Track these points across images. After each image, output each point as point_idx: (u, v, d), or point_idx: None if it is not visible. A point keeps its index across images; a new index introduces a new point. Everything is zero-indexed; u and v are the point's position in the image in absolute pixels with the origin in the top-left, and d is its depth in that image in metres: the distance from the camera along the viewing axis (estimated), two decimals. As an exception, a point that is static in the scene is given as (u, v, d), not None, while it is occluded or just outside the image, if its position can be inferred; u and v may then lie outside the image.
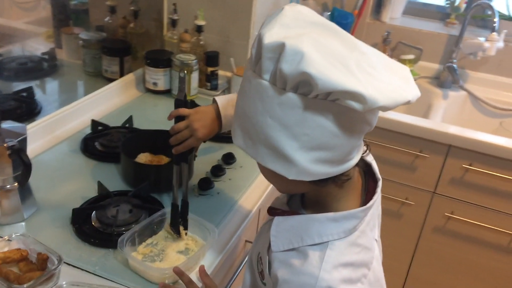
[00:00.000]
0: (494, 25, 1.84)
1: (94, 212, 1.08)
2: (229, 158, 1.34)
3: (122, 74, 1.72)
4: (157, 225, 1.05)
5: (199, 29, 1.72)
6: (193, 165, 1.25)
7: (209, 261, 1.02)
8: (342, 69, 0.59)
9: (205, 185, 1.22)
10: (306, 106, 0.62)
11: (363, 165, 0.79)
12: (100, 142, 1.35)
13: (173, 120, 1.07)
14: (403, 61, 2.14)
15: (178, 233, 1.04)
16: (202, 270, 0.96)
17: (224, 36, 1.76)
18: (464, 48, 1.95)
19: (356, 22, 2.12)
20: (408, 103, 0.63)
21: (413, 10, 2.31)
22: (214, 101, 1.08)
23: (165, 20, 1.83)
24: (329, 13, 2.12)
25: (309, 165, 0.65)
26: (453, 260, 1.90)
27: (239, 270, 1.16)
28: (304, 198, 0.81)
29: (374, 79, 0.61)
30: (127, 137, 1.27)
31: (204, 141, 1.13)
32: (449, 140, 1.71)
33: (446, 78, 2.05)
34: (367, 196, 0.77)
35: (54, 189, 1.18)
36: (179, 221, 1.04)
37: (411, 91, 0.64)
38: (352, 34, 2.07)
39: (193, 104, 1.46)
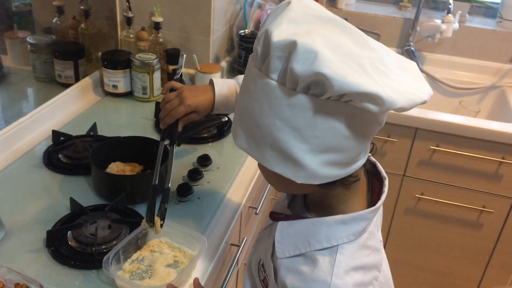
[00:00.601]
0: (449, 6, 1.87)
1: (69, 231, 1.00)
2: (204, 160, 1.28)
3: (77, 79, 1.61)
4: (141, 239, 0.98)
5: (156, 26, 1.64)
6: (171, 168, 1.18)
7: (200, 271, 0.97)
8: (357, 69, 0.56)
9: (184, 191, 1.16)
10: (317, 108, 0.58)
11: (369, 165, 0.77)
12: (65, 154, 1.26)
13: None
14: (362, 47, 2.15)
15: (152, 222, 0.96)
16: (196, 283, 0.91)
17: (183, 32, 1.69)
18: (422, 31, 1.98)
19: (313, 10, 2.10)
20: (424, 103, 0.61)
21: (367, -5, 2.32)
22: (210, 82, 1.05)
23: (119, 19, 1.73)
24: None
25: (318, 168, 0.62)
26: (425, 239, 1.94)
27: (228, 276, 1.12)
28: (307, 200, 0.78)
29: (389, 79, 0.58)
30: (95, 146, 1.18)
31: (183, 139, 1.15)
32: (416, 123, 1.74)
33: (405, 61, 2.07)
34: (372, 196, 0.75)
35: (21, 210, 1.08)
36: (154, 210, 0.97)
37: (424, 89, 0.61)
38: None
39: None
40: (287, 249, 0.72)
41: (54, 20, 1.66)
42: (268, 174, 0.71)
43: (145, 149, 1.22)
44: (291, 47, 0.57)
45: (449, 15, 1.88)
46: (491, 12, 2.20)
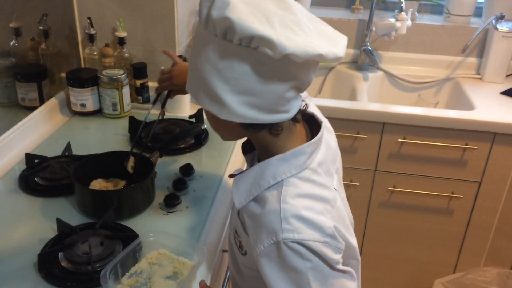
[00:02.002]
0: (401, 5, 1.96)
1: (60, 253, 0.97)
2: (187, 170, 1.27)
3: (42, 101, 1.56)
4: (138, 252, 0.96)
5: (121, 41, 1.62)
6: (154, 182, 1.17)
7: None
8: (262, 19, 0.66)
9: (172, 201, 1.15)
10: (232, 52, 0.68)
11: (306, 117, 0.85)
12: (41, 176, 1.21)
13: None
14: (321, 50, 2.20)
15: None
16: (202, 286, 0.91)
17: (148, 45, 1.68)
18: (378, 30, 2.06)
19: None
20: (320, 57, 0.68)
21: (319, 1, 2.39)
22: None
23: (80, 37, 1.70)
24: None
25: (238, 107, 0.71)
26: (400, 230, 2.00)
27: (225, 283, 1.11)
28: (259, 156, 0.85)
29: (292, 33, 0.66)
30: (76, 165, 1.15)
31: (165, 150, 1.27)
32: (382, 117, 1.80)
33: (364, 61, 2.15)
34: None
35: (4, 237, 1.03)
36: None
37: (328, 48, 0.69)
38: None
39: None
40: (242, 197, 0.79)
41: (11, 43, 1.60)
42: (209, 118, 0.81)
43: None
44: None
45: (402, 13, 1.96)
46: (437, 9, 2.32)
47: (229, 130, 0.80)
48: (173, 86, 1.22)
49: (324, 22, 0.75)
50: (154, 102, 1.29)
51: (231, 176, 0.86)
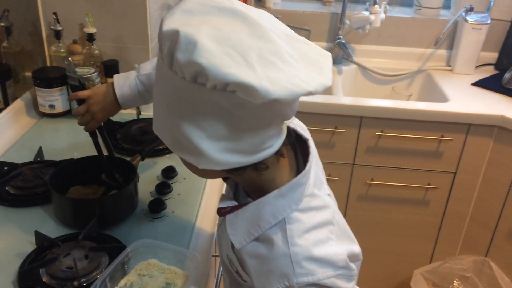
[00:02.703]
0: (375, -2, 1.95)
1: (41, 269, 0.90)
2: (170, 172, 1.22)
3: (7, 102, 1.46)
4: (126, 263, 0.91)
5: (90, 37, 1.53)
6: (137, 187, 1.11)
7: (195, 289, 0.92)
8: (239, 60, 0.56)
9: (157, 206, 1.09)
10: (206, 97, 0.59)
11: (290, 137, 0.75)
12: (13, 185, 1.13)
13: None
14: (295, 44, 2.17)
15: (114, 180, 1.06)
16: None
17: (119, 42, 1.60)
18: (353, 23, 2.05)
19: (243, 11, 2.08)
20: (309, 94, 0.59)
21: (290, -6, 2.36)
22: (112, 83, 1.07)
23: (44, 33, 1.60)
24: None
25: (217, 154, 0.63)
26: (379, 223, 2.01)
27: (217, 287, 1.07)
28: (244, 187, 0.79)
29: (275, 70, 0.57)
30: (52, 172, 1.07)
31: (147, 153, 1.20)
32: (360, 112, 1.79)
33: (337, 54, 2.14)
34: (304, 160, 0.76)
35: (-24, 254, 0.95)
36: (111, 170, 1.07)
37: (318, 81, 0.60)
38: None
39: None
40: (242, 238, 0.73)
41: (-30, 41, 1.49)
42: (185, 164, 0.72)
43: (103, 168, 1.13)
44: (174, 37, 0.57)
45: (376, 6, 1.96)
46: (406, 1, 2.33)
47: (209, 173, 0.73)
48: (99, 123, 1.09)
49: (303, 39, 0.65)
50: (95, 136, 1.11)
51: (220, 213, 0.77)
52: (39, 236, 0.95)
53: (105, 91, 1.05)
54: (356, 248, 0.78)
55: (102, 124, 1.10)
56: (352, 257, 0.75)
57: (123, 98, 1.05)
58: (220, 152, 0.63)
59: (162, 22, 0.60)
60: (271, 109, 0.62)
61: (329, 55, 0.66)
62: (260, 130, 0.63)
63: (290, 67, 0.59)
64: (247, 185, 0.76)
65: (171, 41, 0.58)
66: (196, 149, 0.62)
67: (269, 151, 0.66)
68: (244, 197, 0.79)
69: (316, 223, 0.71)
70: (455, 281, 1.98)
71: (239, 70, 0.55)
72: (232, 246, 0.76)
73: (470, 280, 1.98)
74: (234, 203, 0.77)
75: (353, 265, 0.72)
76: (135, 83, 1.05)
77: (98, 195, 1.11)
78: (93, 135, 1.09)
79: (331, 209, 0.75)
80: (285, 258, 0.68)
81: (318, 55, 0.64)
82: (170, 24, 0.59)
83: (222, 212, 0.77)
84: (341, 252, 0.71)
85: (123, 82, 1.05)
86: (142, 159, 1.17)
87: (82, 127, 1.09)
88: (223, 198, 0.81)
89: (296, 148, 0.78)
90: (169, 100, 0.62)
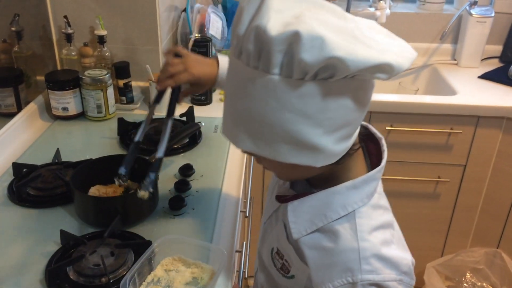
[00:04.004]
0: (380, -7, 1.96)
1: (69, 267, 0.90)
2: (187, 170, 1.22)
3: (20, 106, 1.47)
4: (153, 259, 0.91)
5: (101, 40, 1.54)
6: (157, 185, 1.11)
7: (220, 286, 0.92)
8: (357, 43, 0.56)
9: (178, 204, 1.10)
10: (326, 91, 0.59)
11: (362, 129, 0.77)
12: (33, 186, 1.14)
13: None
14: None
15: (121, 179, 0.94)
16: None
17: (129, 44, 1.61)
18: (358, 20, 2.06)
19: (248, 11, 2.09)
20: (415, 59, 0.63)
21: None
22: (215, 57, 1.02)
23: (55, 37, 1.61)
24: (220, 4, 2.07)
25: (333, 147, 0.63)
26: (389, 218, 2.01)
27: (240, 284, 1.07)
28: (311, 181, 0.77)
29: (384, 45, 0.59)
30: (73, 172, 1.08)
31: (168, 149, 1.08)
32: (370, 107, 1.79)
33: (343, 51, 2.15)
34: (371, 158, 0.76)
35: (3, 255, 0.95)
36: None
37: (406, 44, 0.64)
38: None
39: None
40: (303, 227, 0.71)
41: (-19, 46, 1.50)
42: (276, 167, 0.70)
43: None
44: (293, 38, 0.55)
45: (381, 1, 1.97)
46: (409, -3, 2.35)
47: (308, 172, 0.69)
48: (191, 77, 0.97)
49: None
50: (157, 101, 1.01)
51: (281, 200, 0.76)
52: (64, 234, 0.96)
53: (207, 59, 1.02)
54: (411, 258, 0.75)
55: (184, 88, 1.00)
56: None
57: (224, 72, 0.98)
58: (336, 143, 0.63)
59: (264, 29, 0.56)
60: (374, 83, 0.64)
61: (374, 21, 0.66)
62: (365, 108, 0.65)
63: (381, 39, 0.60)
64: (322, 175, 0.72)
65: (288, 44, 0.56)
66: (315, 148, 0.61)
67: (356, 133, 0.68)
68: (304, 187, 0.77)
69: (383, 223, 0.70)
70: (468, 274, 1.99)
71: (369, 52, 0.56)
72: (287, 236, 0.75)
73: (482, 272, 1.98)
74: (294, 193, 0.75)
75: (414, 276, 0.70)
76: None
77: (119, 193, 1.11)
78: (158, 99, 0.99)
79: (391, 214, 0.74)
80: (353, 253, 0.66)
81: (371, 23, 0.65)
82: (276, 27, 0.56)
83: (283, 199, 0.75)
84: (407, 257, 0.69)
85: (226, 59, 1.00)
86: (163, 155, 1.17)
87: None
88: (279, 188, 0.80)
89: (367, 144, 0.78)
90: (276, 110, 0.59)
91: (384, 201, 0.73)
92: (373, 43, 0.58)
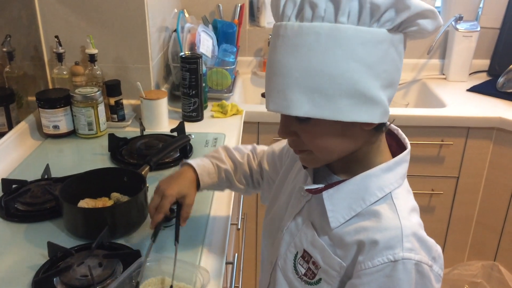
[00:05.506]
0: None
1: (55, 278, 0.89)
2: (177, 183, 1.22)
3: (10, 126, 1.47)
4: (134, 278, 0.87)
5: (92, 58, 1.56)
6: (147, 196, 1.11)
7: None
8: None
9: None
10: (384, 39, 0.62)
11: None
12: (22, 201, 1.13)
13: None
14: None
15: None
16: None
17: (120, 62, 1.62)
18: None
19: (238, 31, 2.13)
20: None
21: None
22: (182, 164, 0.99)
23: (46, 57, 1.62)
24: (210, 24, 2.10)
25: (387, 104, 0.65)
26: (385, 233, 2.00)
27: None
28: (335, 167, 0.76)
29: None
30: (62, 185, 1.08)
31: (155, 163, 1.12)
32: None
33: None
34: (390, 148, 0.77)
35: (-11, 268, 0.94)
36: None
37: None
38: (237, 42, 2.10)
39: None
40: (340, 214, 0.70)
41: (-27, 67, 1.51)
42: (324, 140, 0.68)
43: (112, 180, 1.14)
44: None
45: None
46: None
47: (348, 145, 0.69)
48: (171, 198, 0.91)
49: None
50: (155, 236, 0.93)
51: (313, 191, 0.74)
52: (52, 246, 0.95)
53: (176, 172, 0.97)
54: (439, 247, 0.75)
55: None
56: None
57: (199, 168, 0.97)
58: (388, 101, 0.65)
59: None
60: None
61: None
62: (399, 77, 0.67)
63: None
64: (352, 160, 0.72)
65: None
66: (375, 102, 0.63)
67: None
68: (329, 178, 0.76)
69: (415, 206, 0.72)
70: (466, 287, 1.97)
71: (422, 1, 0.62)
72: (317, 232, 0.74)
73: (480, 285, 1.96)
74: (321, 185, 0.74)
75: (442, 266, 0.70)
76: (209, 162, 1.00)
77: (107, 206, 1.10)
78: (154, 237, 0.92)
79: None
80: (396, 230, 0.66)
81: None
82: None
83: (315, 190, 0.73)
84: (437, 247, 0.70)
85: (196, 160, 1.00)
86: (151, 169, 1.17)
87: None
88: (304, 184, 0.79)
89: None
90: (341, 59, 0.61)
91: (409, 186, 0.75)
92: None
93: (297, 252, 0.78)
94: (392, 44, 0.63)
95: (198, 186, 0.96)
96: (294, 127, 0.70)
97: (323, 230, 0.74)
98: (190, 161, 0.98)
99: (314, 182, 0.78)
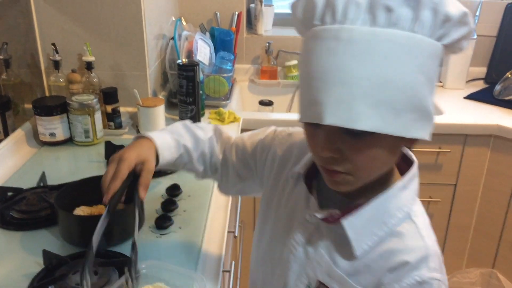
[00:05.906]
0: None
1: (51, 286, 0.88)
2: (174, 190, 1.22)
3: (6, 133, 1.47)
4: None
5: (89, 66, 1.55)
6: (143, 204, 1.10)
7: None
8: None
9: (164, 223, 1.08)
10: (440, 54, 0.60)
11: None
12: (17, 209, 1.12)
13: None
14: (288, 68, 2.22)
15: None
16: None
17: (117, 69, 1.62)
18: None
19: (236, 38, 2.14)
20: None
21: (280, 21, 2.42)
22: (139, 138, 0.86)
23: (43, 65, 1.62)
24: (207, 32, 2.10)
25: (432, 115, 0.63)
26: (383, 240, 1.99)
27: (228, 303, 1.05)
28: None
29: None
30: (58, 193, 1.07)
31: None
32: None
33: (330, 76, 2.17)
34: None
35: (-17, 277, 0.93)
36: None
37: None
38: (234, 49, 2.10)
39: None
40: (364, 242, 0.67)
41: (-30, 74, 1.51)
42: (373, 159, 0.62)
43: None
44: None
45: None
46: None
47: (388, 164, 0.67)
48: (131, 163, 0.79)
49: None
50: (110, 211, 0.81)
51: (330, 220, 0.69)
52: (47, 254, 0.94)
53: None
54: None
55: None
56: None
57: (159, 139, 0.84)
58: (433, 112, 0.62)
59: None
60: None
61: None
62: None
63: None
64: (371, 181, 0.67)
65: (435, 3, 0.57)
66: (429, 116, 0.61)
67: None
68: (341, 202, 0.71)
69: (428, 220, 0.71)
70: (464, 295, 1.96)
71: None
72: (336, 263, 0.70)
73: (479, 293, 1.96)
74: (337, 211, 0.69)
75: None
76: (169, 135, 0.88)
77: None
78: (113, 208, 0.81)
79: None
80: (421, 251, 0.65)
81: None
82: None
83: (333, 219, 0.69)
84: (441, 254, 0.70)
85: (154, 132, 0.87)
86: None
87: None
88: (311, 210, 0.73)
89: None
90: (412, 71, 0.57)
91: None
92: None
93: (309, 284, 0.74)
94: (440, 57, 0.60)
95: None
96: (341, 143, 0.61)
97: (341, 259, 0.70)
98: (147, 133, 0.84)
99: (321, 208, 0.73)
